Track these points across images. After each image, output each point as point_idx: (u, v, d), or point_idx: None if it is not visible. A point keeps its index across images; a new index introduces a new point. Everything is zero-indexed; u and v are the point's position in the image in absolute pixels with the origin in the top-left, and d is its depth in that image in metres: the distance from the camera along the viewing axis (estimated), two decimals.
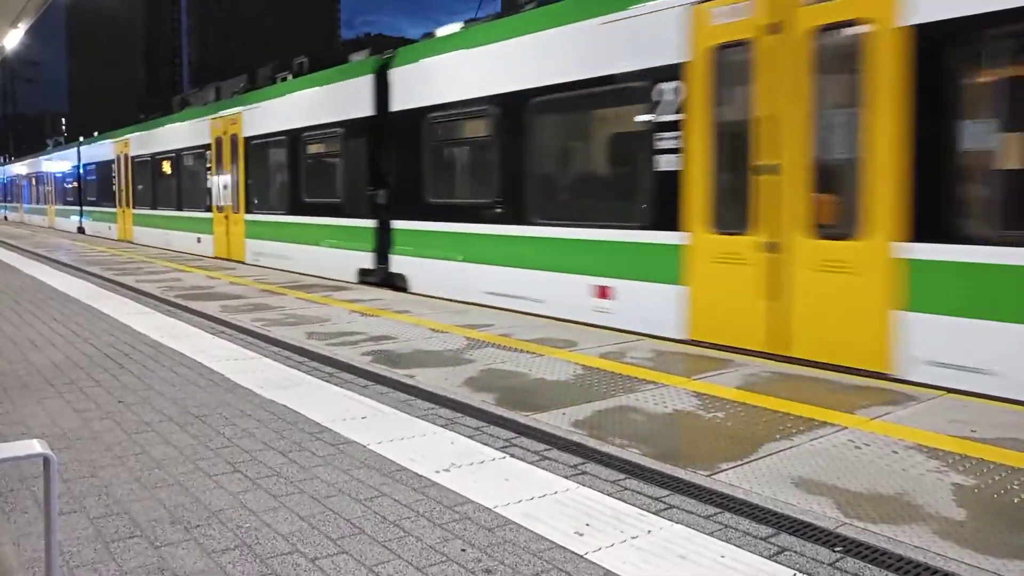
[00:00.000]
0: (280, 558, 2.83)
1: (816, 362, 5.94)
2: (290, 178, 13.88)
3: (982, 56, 5.34)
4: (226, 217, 16.35)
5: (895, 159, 5.58)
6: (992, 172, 5.37)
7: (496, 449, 4.04)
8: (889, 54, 5.57)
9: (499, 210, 9.22)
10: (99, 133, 28.48)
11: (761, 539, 2.98)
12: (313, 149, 13.31)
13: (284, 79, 15.23)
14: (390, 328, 7.54)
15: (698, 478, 3.58)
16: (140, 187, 22.10)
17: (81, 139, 29.33)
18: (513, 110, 8.92)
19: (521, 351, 6.43)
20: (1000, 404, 4.80)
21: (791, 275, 6.21)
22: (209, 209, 17.22)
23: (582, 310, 8.03)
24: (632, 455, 3.88)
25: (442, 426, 4.44)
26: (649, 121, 7.28)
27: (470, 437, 4.23)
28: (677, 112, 7.02)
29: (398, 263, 10.99)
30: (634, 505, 3.31)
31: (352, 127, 11.88)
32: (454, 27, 10.97)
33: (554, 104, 8.52)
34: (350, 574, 2.73)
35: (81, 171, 28.55)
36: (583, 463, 3.82)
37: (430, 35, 11.55)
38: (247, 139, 15.33)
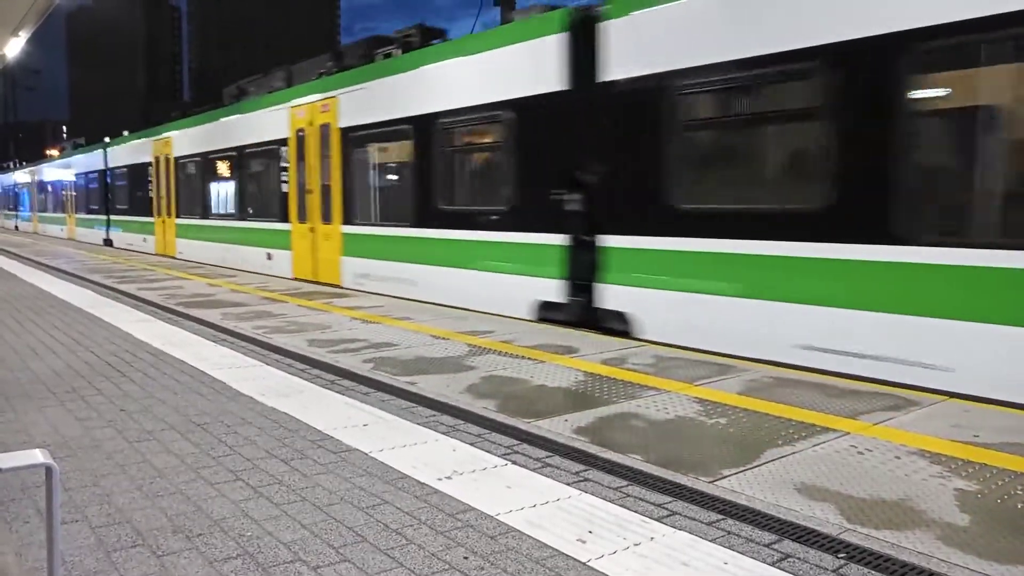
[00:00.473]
0: (282, 567, 2.83)
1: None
2: (416, 179, 10.55)
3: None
4: (311, 229, 13.14)
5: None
6: None
7: (498, 456, 4.03)
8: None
9: (852, 219, 5.88)
10: (129, 132, 24.38)
11: (764, 546, 2.97)
12: (456, 140, 10.06)
13: (387, 56, 12.10)
14: (391, 335, 7.54)
15: (701, 484, 3.57)
16: (186, 193, 18.79)
17: (107, 139, 25.59)
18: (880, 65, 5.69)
19: (522, 357, 6.42)
20: (1003, 409, 4.80)
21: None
22: (285, 219, 13.98)
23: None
24: (634, 462, 3.88)
25: (444, 433, 4.44)
26: None
27: (472, 444, 4.23)
28: None
29: (617, 297, 7.77)
30: (637, 512, 3.30)
31: (525, 108, 8.71)
32: None
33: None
34: None
35: (108, 176, 24.98)
36: (585, 470, 3.81)
37: None
38: (345, 130, 12.04)
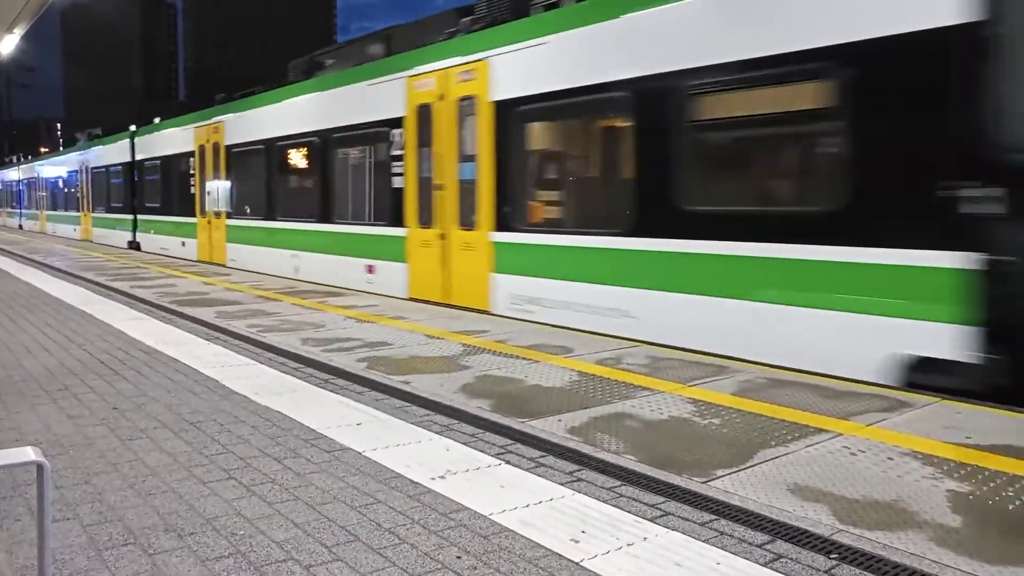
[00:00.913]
0: (275, 565, 2.82)
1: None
2: (640, 167, 7.48)
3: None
4: (441, 236, 9.94)
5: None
6: None
7: (492, 456, 4.03)
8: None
9: None
10: (161, 120, 21.12)
11: (757, 546, 2.97)
12: (719, 109, 6.90)
13: (552, 5, 9.38)
14: (386, 334, 7.53)
15: (694, 485, 3.57)
16: (243, 188, 15.51)
17: (134, 127, 22.40)
18: None
19: (517, 357, 6.42)
20: (995, 411, 4.81)
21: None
22: (397, 222, 10.72)
23: None
24: (628, 462, 3.88)
25: (438, 433, 4.43)
26: None
27: (465, 444, 4.23)
28: None
29: None
30: (630, 512, 3.30)
31: (877, 54, 5.71)
32: None
33: None
34: None
35: (136, 169, 21.51)
36: (579, 470, 3.81)
37: None
38: (503, 103, 8.94)
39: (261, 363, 6.31)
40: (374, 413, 4.84)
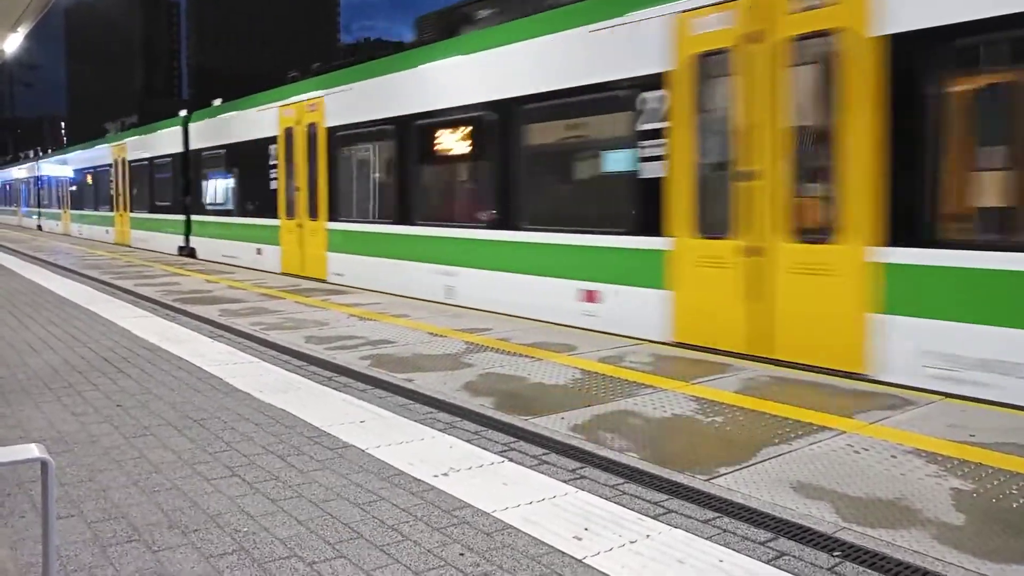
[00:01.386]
0: (278, 562, 2.83)
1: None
2: None
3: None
4: (753, 251, 6.47)
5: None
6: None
7: (495, 453, 4.03)
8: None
9: None
10: (223, 101, 17.22)
11: (760, 543, 2.97)
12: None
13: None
14: (389, 332, 7.54)
15: (697, 482, 3.58)
16: (356, 183, 12.31)
17: (184, 112, 18.99)
18: None
19: (520, 355, 6.43)
20: (999, 409, 4.81)
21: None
22: (650, 227, 7.23)
23: None
24: (631, 459, 3.88)
25: (441, 430, 4.44)
26: None
27: (469, 441, 4.23)
28: None
29: None
30: (633, 509, 3.30)
31: None
32: None
33: None
34: None
35: (192, 161, 17.95)
36: (582, 467, 3.81)
37: None
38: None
39: (265, 361, 6.32)
40: (377, 411, 4.84)
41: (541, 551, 2.92)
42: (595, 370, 5.86)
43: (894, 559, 2.82)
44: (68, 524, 3.14)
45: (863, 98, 5.80)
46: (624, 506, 3.34)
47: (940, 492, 3.45)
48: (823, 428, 4.38)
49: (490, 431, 4.40)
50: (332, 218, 12.44)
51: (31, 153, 43.05)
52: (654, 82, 7.23)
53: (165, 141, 19.46)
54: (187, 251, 18.38)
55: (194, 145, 17.80)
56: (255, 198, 14.97)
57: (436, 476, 3.69)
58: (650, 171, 7.32)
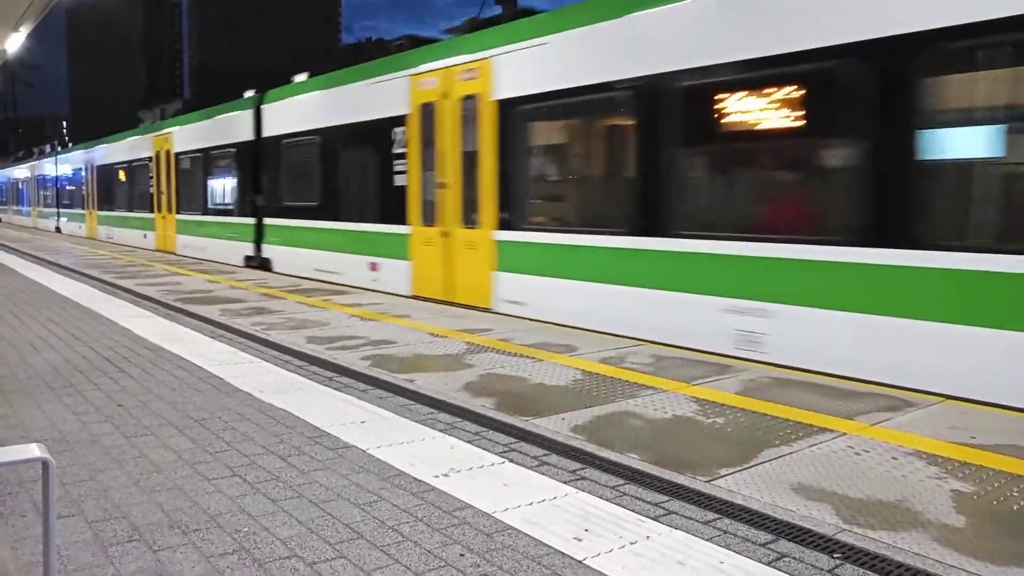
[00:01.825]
0: (278, 562, 2.83)
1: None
2: None
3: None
4: None
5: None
6: None
7: (495, 454, 4.03)
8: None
9: None
10: (309, 75, 14.68)
11: (760, 545, 2.97)
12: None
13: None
14: (390, 332, 7.54)
15: (697, 484, 3.57)
16: (541, 177, 9.24)
17: (251, 92, 16.13)
18: None
19: (520, 356, 6.43)
20: (1000, 411, 4.80)
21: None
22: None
23: None
24: (631, 460, 3.88)
25: (441, 431, 4.44)
26: None
27: (469, 442, 4.23)
28: None
29: None
30: (633, 511, 3.30)
31: None
32: None
33: None
34: None
35: (264, 152, 14.71)
36: (582, 468, 3.81)
37: None
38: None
39: (266, 361, 6.32)
40: (378, 411, 4.85)
41: (541, 552, 2.92)
42: (595, 371, 5.86)
43: (895, 561, 2.82)
44: (69, 524, 3.14)
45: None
46: (625, 507, 3.34)
47: (941, 494, 3.45)
48: (824, 430, 4.38)
49: (491, 432, 4.40)
50: (505, 225, 9.19)
51: (46, 148, 39.81)
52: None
53: (228, 128, 16.21)
54: (257, 262, 15.07)
55: (269, 132, 14.54)
56: (366, 197, 11.84)
57: (437, 477, 3.70)
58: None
